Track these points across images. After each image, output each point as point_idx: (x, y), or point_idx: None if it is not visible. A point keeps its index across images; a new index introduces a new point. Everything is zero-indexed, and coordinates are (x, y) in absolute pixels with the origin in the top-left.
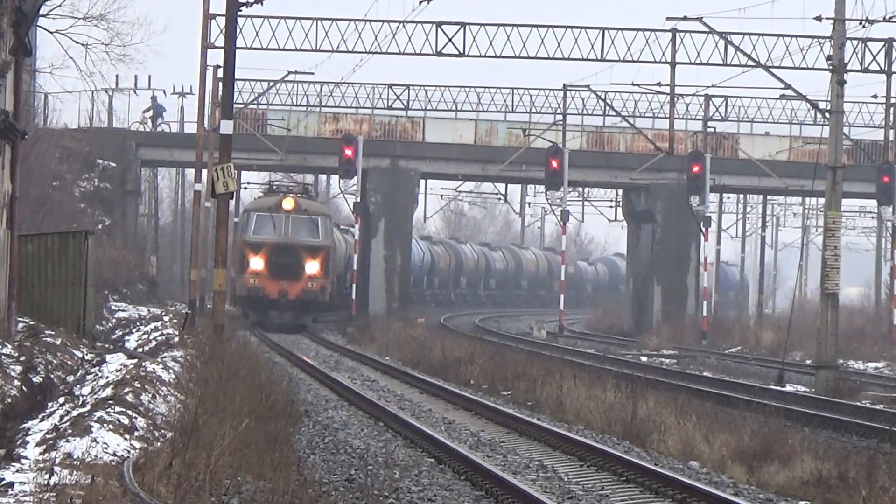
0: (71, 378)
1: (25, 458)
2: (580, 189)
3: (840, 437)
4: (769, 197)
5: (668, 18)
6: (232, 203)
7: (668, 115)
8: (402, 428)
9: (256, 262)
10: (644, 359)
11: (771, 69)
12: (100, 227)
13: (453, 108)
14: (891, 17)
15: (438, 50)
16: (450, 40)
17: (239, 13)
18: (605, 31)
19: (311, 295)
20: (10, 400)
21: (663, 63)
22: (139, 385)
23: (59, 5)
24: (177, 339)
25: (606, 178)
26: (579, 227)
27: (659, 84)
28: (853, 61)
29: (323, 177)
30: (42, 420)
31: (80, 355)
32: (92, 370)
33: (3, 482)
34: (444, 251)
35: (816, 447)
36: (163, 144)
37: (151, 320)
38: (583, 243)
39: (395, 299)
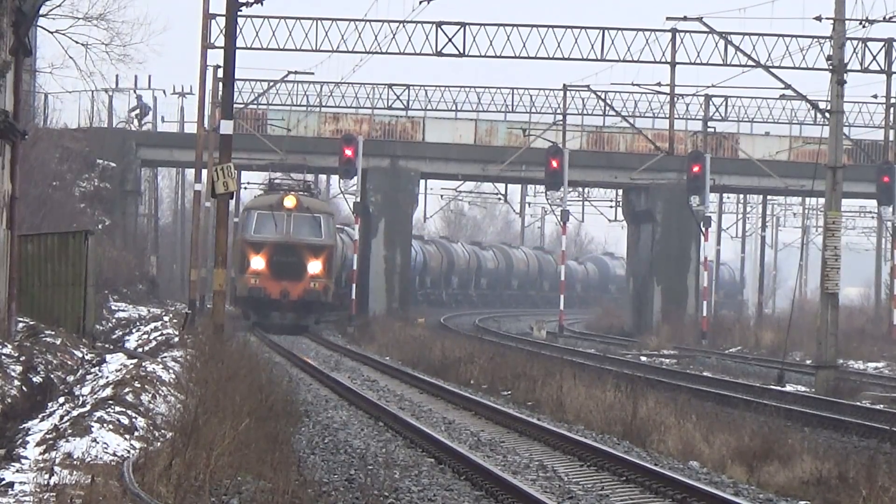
0: (71, 378)
1: (25, 458)
2: (580, 189)
3: (840, 437)
4: (769, 197)
5: (668, 18)
6: (232, 203)
7: (668, 115)
8: (402, 428)
9: (257, 262)
10: (644, 359)
11: (771, 69)
12: (100, 227)
13: (453, 108)
14: (891, 17)
15: (438, 50)
16: (450, 40)
17: (239, 13)
18: (605, 31)
19: (314, 295)
20: (10, 400)
21: (663, 63)
22: (139, 385)
23: (59, 5)
24: (177, 339)
25: (606, 178)
26: (579, 227)
27: (659, 84)
28: (853, 61)
29: (323, 177)
30: (42, 420)
31: (80, 355)
32: (92, 370)
33: (3, 482)
34: (437, 250)
35: (816, 447)
36: (163, 144)
37: (151, 320)
38: (583, 243)
39: (395, 299)
